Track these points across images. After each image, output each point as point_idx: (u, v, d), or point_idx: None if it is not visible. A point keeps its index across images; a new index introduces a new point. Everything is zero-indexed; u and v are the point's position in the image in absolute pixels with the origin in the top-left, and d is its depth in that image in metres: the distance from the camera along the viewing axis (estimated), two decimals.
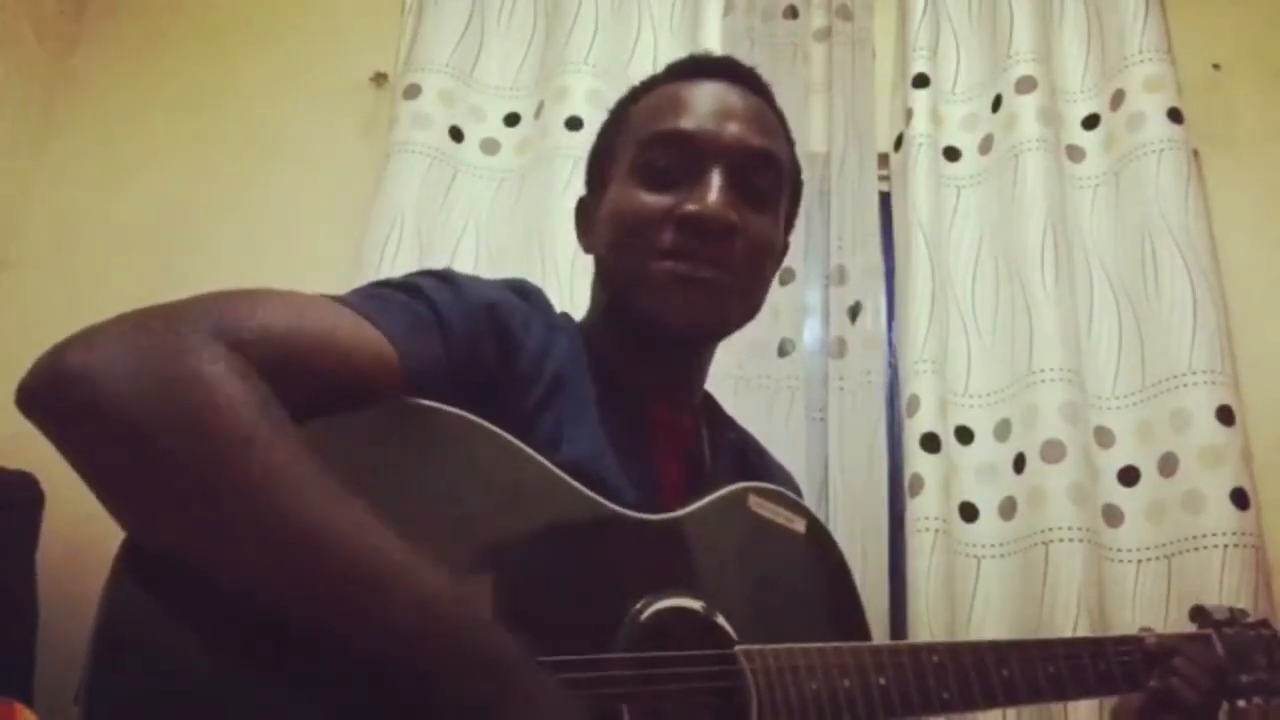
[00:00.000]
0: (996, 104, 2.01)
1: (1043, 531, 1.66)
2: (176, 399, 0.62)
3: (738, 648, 0.81)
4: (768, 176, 0.95)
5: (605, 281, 0.97)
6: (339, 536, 0.63)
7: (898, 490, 1.78)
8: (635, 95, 1.02)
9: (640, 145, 0.94)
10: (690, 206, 0.89)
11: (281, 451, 0.63)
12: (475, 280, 0.88)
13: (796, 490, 1.09)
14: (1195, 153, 1.93)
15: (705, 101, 0.94)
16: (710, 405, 1.08)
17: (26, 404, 0.64)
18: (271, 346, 0.68)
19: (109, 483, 0.63)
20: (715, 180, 0.90)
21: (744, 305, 0.95)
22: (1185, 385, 1.73)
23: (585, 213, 1.03)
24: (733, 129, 0.93)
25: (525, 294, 0.92)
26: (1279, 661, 1.04)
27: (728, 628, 0.83)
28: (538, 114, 2.05)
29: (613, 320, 0.97)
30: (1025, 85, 1.96)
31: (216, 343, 0.65)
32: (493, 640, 0.66)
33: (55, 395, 0.63)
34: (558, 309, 0.98)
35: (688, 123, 0.93)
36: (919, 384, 1.79)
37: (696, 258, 0.88)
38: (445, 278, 0.85)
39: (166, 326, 0.65)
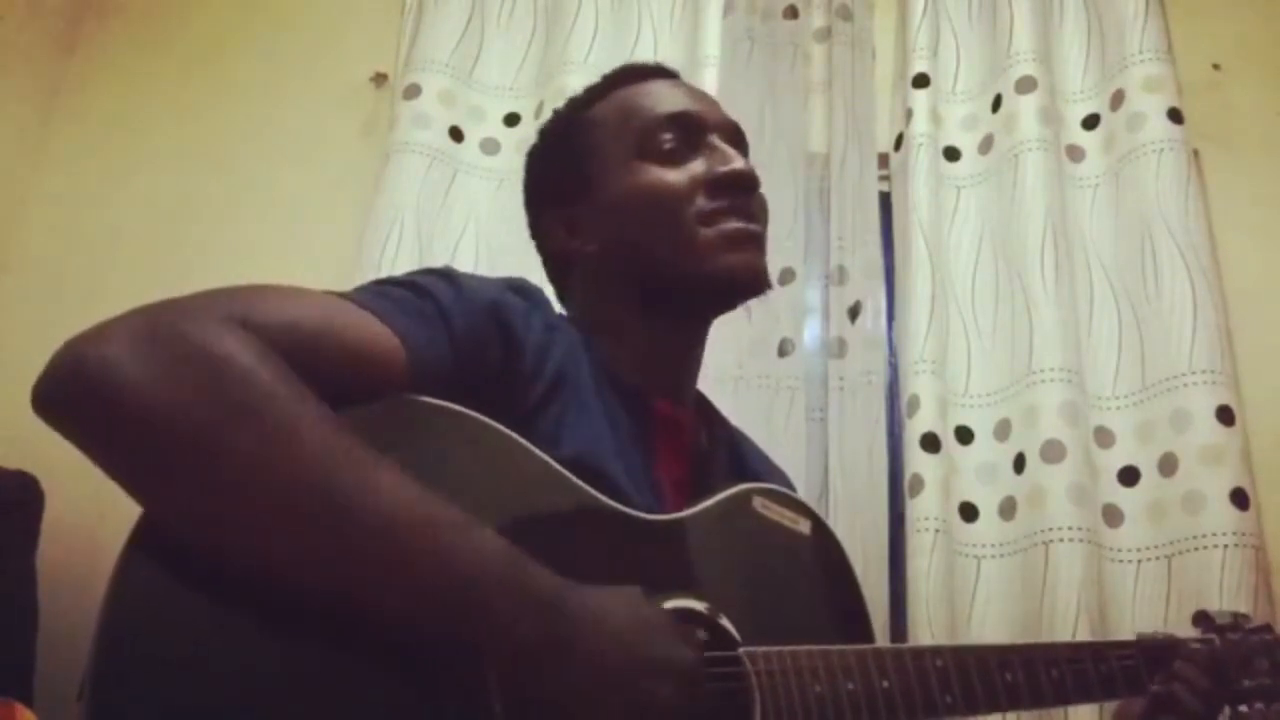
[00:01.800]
0: (996, 104, 2.00)
1: (1043, 531, 1.66)
2: (198, 378, 0.63)
3: (741, 649, 0.81)
4: (745, 147, 1.03)
5: (629, 267, 0.98)
6: (382, 493, 0.64)
7: (898, 490, 1.78)
8: (584, 104, 1.06)
9: (643, 131, 0.98)
10: (723, 169, 0.96)
11: (309, 417, 0.64)
12: (477, 278, 0.89)
13: (790, 488, 1.09)
14: (1195, 153, 1.93)
15: (677, 91, 1.03)
16: (704, 403, 1.09)
17: (46, 404, 0.64)
18: (279, 337, 0.68)
19: (141, 474, 0.63)
20: (728, 147, 0.98)
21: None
22: (1185, 385, 1.73)
23: (561, 225, 1.03)
24: (714, 109, 1.03)
25: (526, 293, 0.92)
26: None
27: (731, 629, 0.83)
28: (538, 114, 2.04)
29: (617, 315, 0.98)
30: (1025, 85, 1.96)
31: (229, 327, 0.66)
32: (543, 578, 0.68)
33: (76, 393, 0.63)
34: (557, 309, 0.99)
35: (685, 105, 1.00)
36: (919, 384, 1.79)
37: (739, 213, 0.95)
38: (448, 276, 0.86)
39: (178, 317, 0.66)
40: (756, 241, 0.97)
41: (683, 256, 0.95)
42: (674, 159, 0.97)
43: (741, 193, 0.97)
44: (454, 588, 0.65)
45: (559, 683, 0.66)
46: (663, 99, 1.01)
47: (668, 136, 0.98)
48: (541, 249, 1.08)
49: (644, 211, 0.96)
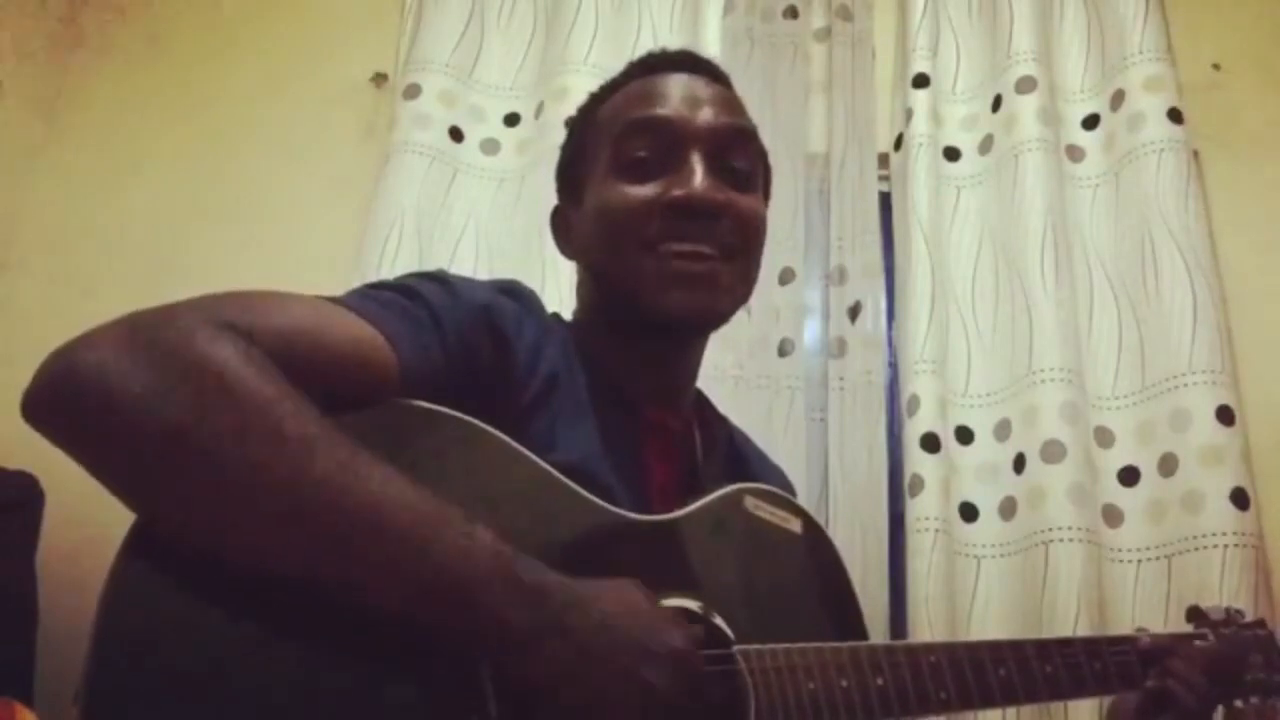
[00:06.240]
0: (996, 104, 2.00)
1: (1043, 531, 1.66)
2: (188, 386, 0.62)
3: (735, 648, 0.81)
4: (745, 155, 0.96)
5: (598, 282, 0.97)
6: (373, 490, 0.65)
7: (898, 490, 1.78)
8: (599, 98, 1.03)
9: (616, 140, 0.94)
10: (676, 192, 0.90)
11: (302, 420, 0.64)
12: (469, 282, 0.89)
13: (788, 486, 1.09)
14: (1195, 153, 1.93)
15: (673, 90, 0.96)
16: (702, 403, 1.08)
17: (36, 412, 0.64)
18: (270, 343, 0.68)
19: (133, 481, 0.63)
20: (697, 164, 0.91)
21: (741, 288, 0.95)
22: (1185, 385, 1.73)
23: (562, 222, 1.04)
24: (705, 112, 0.94)
25: (517, 296, 0.92)
26: (1275, 661, 1.04)
27: (725, 627, 0.83)
28: (538, 114, 2.05)
29: (604, 320, 0.97)
30: (1025, 85, 1.96)
31: (220, 334, 0.66)
32: (535, 570, 0.69)
33: (68, 400, 0.63)
34: (557, 309, 0.99)
35: (661, 109, 0.94)
36: (919, 384, 1.79)
37: (689, 237, 0.89)
38: (440, 279, 0.86)
39: (169, 324, 0.66)
40: (703, 282, 0.89)
41: (630, 286, 0.90)
42: (640, 174, 0.92)
43: (695, 219, 0.89)
44: (443, 580, 0.65)
45: (547, 667, 0.67)
46: (653, 100, 0.94)
47: (639, 147, 0.92)
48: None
49: (603, 231, 0.93)
